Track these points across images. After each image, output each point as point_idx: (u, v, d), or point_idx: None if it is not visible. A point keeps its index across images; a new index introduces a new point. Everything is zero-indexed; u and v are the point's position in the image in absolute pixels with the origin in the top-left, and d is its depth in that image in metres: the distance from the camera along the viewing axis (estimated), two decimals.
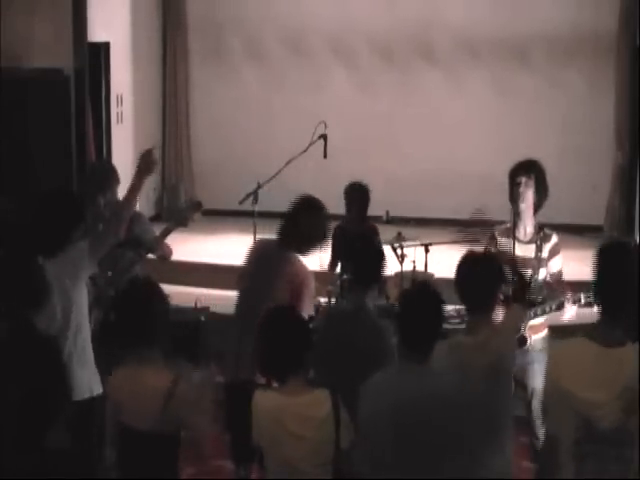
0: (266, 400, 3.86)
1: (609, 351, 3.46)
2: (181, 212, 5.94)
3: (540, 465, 3.76)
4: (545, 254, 5.56)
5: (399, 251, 7.13)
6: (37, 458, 2.94)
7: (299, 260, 5.06)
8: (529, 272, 5.43)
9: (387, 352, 4.43)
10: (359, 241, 5.02)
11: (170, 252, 5.98)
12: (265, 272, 5.04)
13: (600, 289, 3.56)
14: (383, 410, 3.74)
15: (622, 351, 3.46)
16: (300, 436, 3.75)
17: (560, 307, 5.32)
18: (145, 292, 3.92)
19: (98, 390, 4.75)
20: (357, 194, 6.88)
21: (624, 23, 10.76)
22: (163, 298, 3.93)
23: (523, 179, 5.60)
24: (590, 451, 3.43)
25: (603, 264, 3.55)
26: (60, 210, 4.82)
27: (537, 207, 5.68)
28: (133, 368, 3.85)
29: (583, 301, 5.20)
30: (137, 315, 3.84)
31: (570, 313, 5.29)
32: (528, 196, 5.61)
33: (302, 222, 5.19)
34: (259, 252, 5.30)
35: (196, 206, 5.99)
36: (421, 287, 4.09)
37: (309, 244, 5.14)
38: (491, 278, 4.17)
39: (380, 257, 4.83)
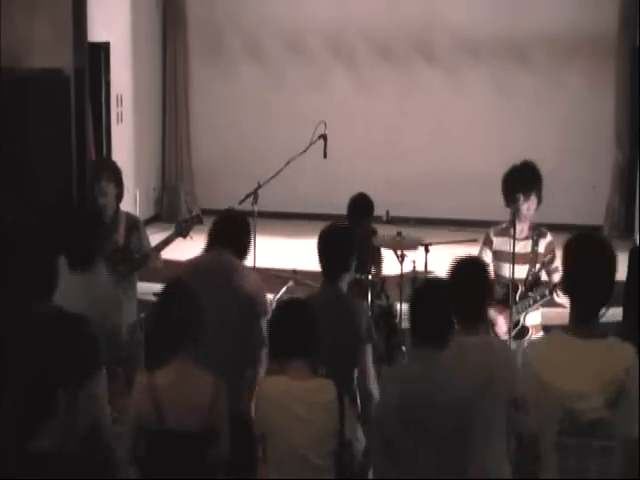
0: (272, 385, 3.95)
1: (587, 343, 3.43)
2: (182, 224, 5.91)
3: (519, 463, 3.73)
4: (542, 249, 5.67)
5: (399, 251, 7.12)
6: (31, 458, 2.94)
7: (252, 271, 4.93)
8: (526, 267, 5.59)
9: (359, 330, 4.56)
10: (330, 237, 4.96)
11: (161, 263, 5.94)
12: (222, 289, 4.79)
13: (571, 282, 3.50)
14: (395, 400, 3.76)
15: (604, 343, 3.44)
16: (306, 420, 3.81)
17: (551, 292, 5.41)
18: (182, 296, 4.00)
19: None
20: (364, 209, 6.97)
21: (624, 23, 10.76)
22: (196, 301, 3.99)
23: (525, 194, 5.63)
24: (573, 444, 3.40)
25: (572, 256, 3.50)
26: (90, 226, 4.81)
27: (537, 208, 5.73)
28: (175, 371, 3.86)
29: None
30: (178, 319, 3.89)
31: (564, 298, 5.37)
32: (531, 204, 5.68)
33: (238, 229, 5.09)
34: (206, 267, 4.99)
35: (196, 219, 5.98)
36: (432, 279, 4.13)
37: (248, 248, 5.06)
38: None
39: (347, 249, 4.85)
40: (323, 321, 4.30)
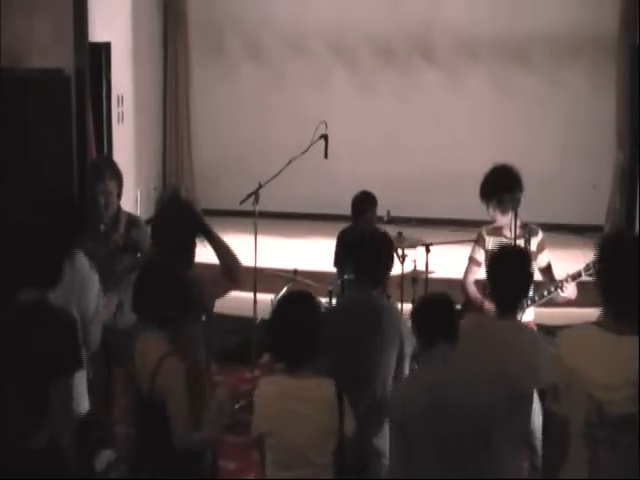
0: (271, 384, 3.94)
1: (621, 338, 3.48)
2: None
3: (549, 449, 3.74)
4: (534, 248, 5.68)
5: (400, 251, 7.13)
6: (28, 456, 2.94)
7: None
8: None
9: (398, 345, 4.54)
10: (368, 242, 4.98)
11: None
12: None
13: (605, 281, 3.57)
14: (423, 403, 3.78)
15: (635, 340, 3.47)
16: (305, 417, 3.80)
17: (556, 288, 5.47)
18: (167, 271, 4.18)
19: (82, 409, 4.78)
20: (369, 205, 7.05)
21: (624, 23, 10.76)
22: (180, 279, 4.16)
23: (494, 205, 5.68)
24: (602, 436, 3.45)
25: (607, 256, 3.57)
26: (65, 217, 4.84)
27: (518, 206, 5.76)
28: (142, 345, 4.08)
29: (584, 276, 5.30)
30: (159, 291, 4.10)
31: (569, 290, 5.45)
32: (504, 212, 5.70)
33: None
34: None
35: None
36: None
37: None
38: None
39: (388, 258, 4.90)
40: (357, 328, 4.42)
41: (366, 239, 4.92)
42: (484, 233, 5.86)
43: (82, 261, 4.84)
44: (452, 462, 3.75)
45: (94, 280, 4.85)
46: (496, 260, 4.46)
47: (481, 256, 5.84)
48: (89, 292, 4.78)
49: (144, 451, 4.06)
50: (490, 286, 4.43)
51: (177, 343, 4.07)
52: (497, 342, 4.18)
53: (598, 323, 3.57)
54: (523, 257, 4.55)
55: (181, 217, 4.64)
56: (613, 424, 3.43)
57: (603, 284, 3.59)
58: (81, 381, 4.79)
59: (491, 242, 5.80)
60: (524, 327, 4.59)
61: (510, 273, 4.35)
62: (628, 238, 3.65)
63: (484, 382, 3.85)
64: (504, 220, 5.69)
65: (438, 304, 4.00)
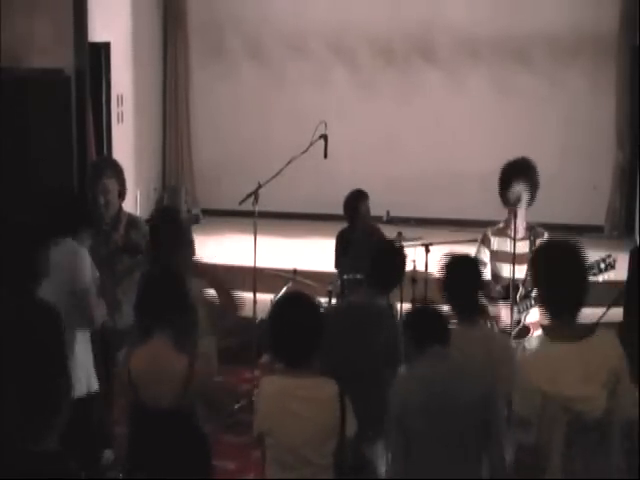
0: (271, 384, 3.93)
1: (579, 345, 3.46)
2: None
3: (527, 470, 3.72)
4: None
5: None
6: (31, 459, 2.93)
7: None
8: (524, 267, 5.55)
9: (398, 350, 4.54)
10: (384, 247, 5.05)
11: None
12: None
13: (543, 289, 3.59)
14: (421, 399, 3.80)
15: (594, 341, 3.47)
16: (303, 416, 3.78)
17: None
18: (167, 278, 4.17)
19: (92, 388, 4.86)
20: (361, 200, 7.11)
21: (625, 23, 10.76)
22: (182, 284, 4.16)
23: (518, 186, 5.65)
24: (579, 444, 3.42)
25: (540, 265, 3.62)
26: (67, 209, 4.97)
27: (530, 203, 5.76)
28: (149, 350, 4.05)
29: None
30: (157, 300, 4.09)
31: None
32: (523, 200, 5.68)
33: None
34: None
35: (194, 219, 6.03)
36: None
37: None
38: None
39: (403, 263, 5.02)
40: (357, 328, 4.48)
41: (382, 246, 5.00)
42: (489, 233, 5.86)
43: (67, 241, 4.90)
44: (453, 458, 3.75)
45: (83, 255, 4.92)
46: (447, 268, 4.40)
47: (486, 256, 5.85)
48: (80, 266, 4.85)
49: (141, 451, 4.06)
50: (446, 293, 4.35)
51: (182, 346, 4.09)
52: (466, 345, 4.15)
53: (548, 334, 3.53)
54: (471, 262, 4.57)
55: (177, 221, 4.71)
56: (590, 429, 3.39)
57: (541, 292, 3.60)
58: (88, 358, 4.86)
59: (496, 243, 5.80)
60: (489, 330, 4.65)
61: (461, 279, 4.33)
62: (561, 245, 3.72)
63: (480, 372, 3.86)
64: (522, 204, 5.70)
65: (429, 310, 4.04)
